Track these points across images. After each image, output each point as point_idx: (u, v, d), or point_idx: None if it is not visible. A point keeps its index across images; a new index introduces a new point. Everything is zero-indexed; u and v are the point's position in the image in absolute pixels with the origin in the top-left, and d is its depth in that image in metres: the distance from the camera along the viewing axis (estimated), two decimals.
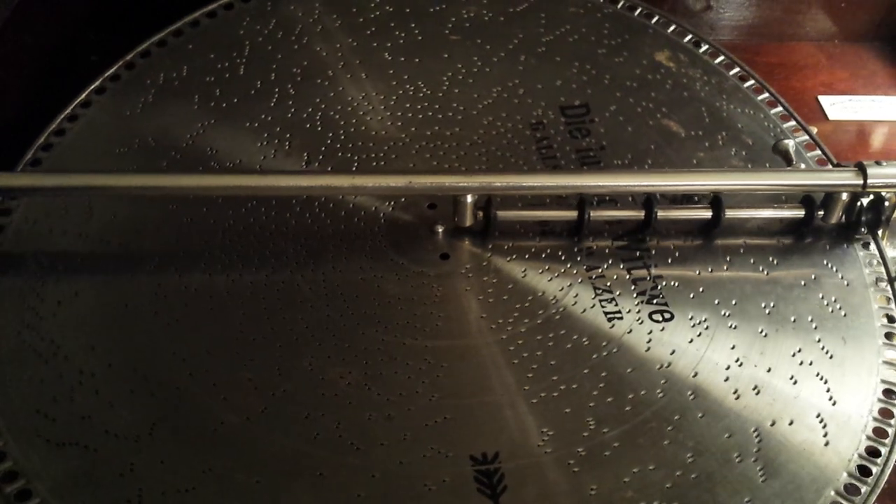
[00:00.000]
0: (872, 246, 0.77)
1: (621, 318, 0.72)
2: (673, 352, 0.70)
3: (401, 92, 0.87)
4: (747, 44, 1.07)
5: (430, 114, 0.85)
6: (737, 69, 0.90)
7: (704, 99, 0.87)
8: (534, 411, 0.66)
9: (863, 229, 0.77)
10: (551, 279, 0.74)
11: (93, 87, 0.87)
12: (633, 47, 0.91)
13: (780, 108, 0.87)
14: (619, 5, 0.95)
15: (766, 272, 0.75)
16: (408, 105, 0.86)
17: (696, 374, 0.69)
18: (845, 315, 0.73)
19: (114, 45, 0.88)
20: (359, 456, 0.64)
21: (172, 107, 0.86)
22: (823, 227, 0.78)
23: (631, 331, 0.71)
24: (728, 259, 0.76)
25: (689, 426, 0.66)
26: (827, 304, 0.73)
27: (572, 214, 0.76)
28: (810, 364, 0.70)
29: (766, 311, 0.73)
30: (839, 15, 1.06)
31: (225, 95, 0.86)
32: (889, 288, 0.75)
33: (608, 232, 0.77)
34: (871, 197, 0.76)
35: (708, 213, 0.77)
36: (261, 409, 0.66)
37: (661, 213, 0.76)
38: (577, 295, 0.73)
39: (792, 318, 0.72)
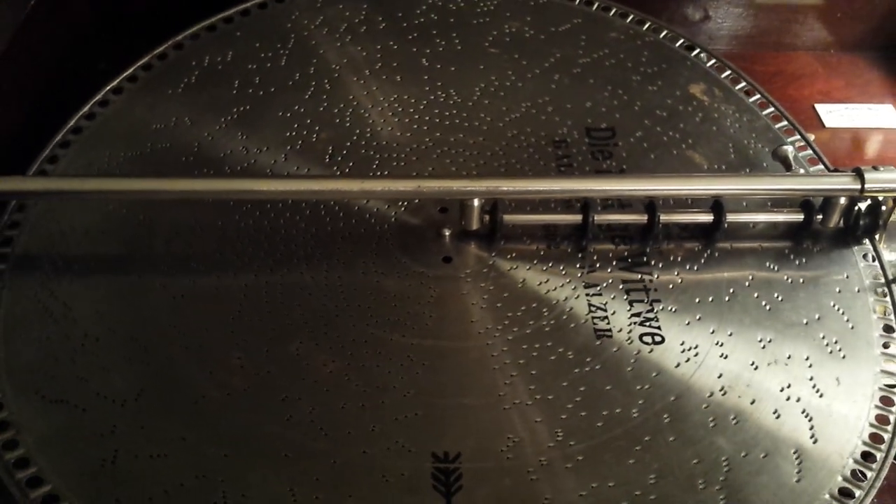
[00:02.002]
0: (870, 249, 0.78)
1: (610, 337, 0.72)
2: (656, 374, 0.70)
3: (432, 97, 0.89)
4: (745, 53, 1.08)
5: (457, 121, 0.87)
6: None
7: (733, 135, 0.87)
8: (504, 417, 0.67)
9: (860, 233, 0.78)
10: (548, 291, 0.75)
11: (140, 63, 0.91)
12: (669, 77, 0.91)
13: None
14: (662, 35, 0.95)
15: (768, 307, 0.74)
16: (436, 111, 0.87)
17: (675, 399, 0.68)
18: (844, 357, 0.72)
19: (120, 52, 0.91)
20: (325, 441, 0.65)
21: (212, 89, 0.89)
22: (822, 231, 0.79)
23: (618, 349, 0.71)
24: (731, 291, 0.75)
25: (657, 448, 0.66)
26: (827, 345, 0.72)
27: (577, 218, 0.77)
28: (797, 400, 0.69)
29: (762, 346, 0.72)
30: (835, 25, 1.07)
31: (263, 83, 0.89)
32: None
33: (612, 249, 0.78)
34: (869, 201, 0.77)
35: (710, 218, 0.77)
36: (243, 387, 0.68)
37: (663, 217, 0.77)
38: (570, 309, 0.74)
39: (787, 355, 0.72)
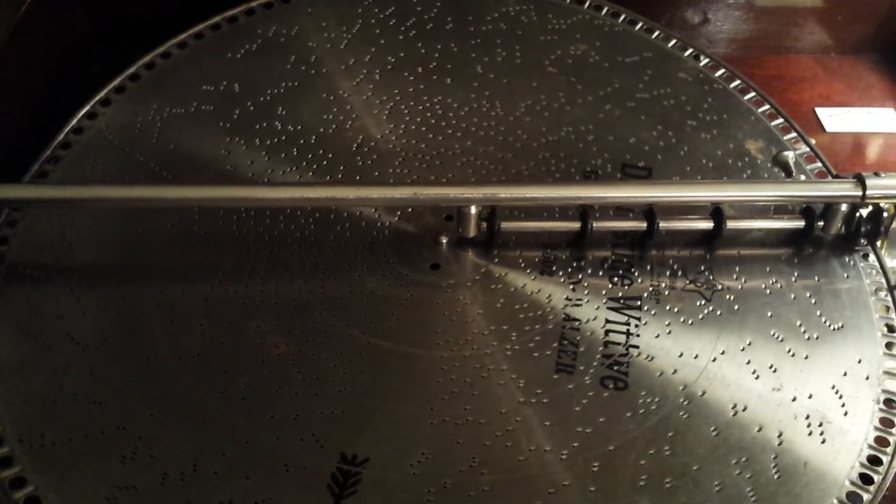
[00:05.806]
0: (872, 256, 0.78)
1: (570, 373, 0.70)
2: (603, 419, 0.67)
3: (475, 105, 0.87)
4: (745, 56, 1.07)
5: (493, 134, 0.85)
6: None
7: None
8: (426, 433, 0.65)
9: (862, 240, 0.78)
10: (525, 315, 0.73)
11: (212, 21, 0.93)
12: (727, 128, 0.87)
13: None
14: (733, 85, 0.91)
15: (756, 375, 0.70)
16: (475, 119, 0.86)
17: (613, 448, 0.65)
18: (823, 442, 0.67)
19: (115, 56, 0.92)
20: (246, 420, 0.66)
21: (267, 62, 0.90)
22: (823, 238, 0.78)
23: (573, 387, 0.69)
24: (721, 352, 0.71)
25: (572, 496, 0.63)
26: (808, 426, 0.68)
27: (575, 225, 0.76)
28: (749, 477, 0.65)
29: (733, 413, 0.68)
30: (836, 28, 1.06)
31: (318, 63, 0.90)
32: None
33: (607, 285, 0.75)
34: (870, 208, 0.76)
35: (709, 224, 0.77)
36: (193, 353, 0.69)
37: (662, 224, 0.75)
38: (539, 338, 0.71)
39: (756, 428, 0.67)
